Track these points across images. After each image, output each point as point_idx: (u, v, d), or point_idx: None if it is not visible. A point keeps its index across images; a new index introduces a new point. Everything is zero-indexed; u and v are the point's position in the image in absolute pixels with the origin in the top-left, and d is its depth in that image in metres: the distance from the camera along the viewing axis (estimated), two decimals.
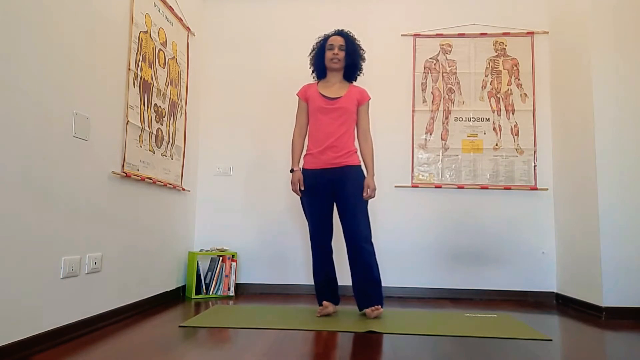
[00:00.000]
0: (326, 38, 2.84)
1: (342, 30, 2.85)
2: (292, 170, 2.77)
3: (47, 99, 1.93)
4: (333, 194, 2.70)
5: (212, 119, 3.76)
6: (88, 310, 2.23)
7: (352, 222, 2.62)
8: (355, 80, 2.89)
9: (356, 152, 2.76)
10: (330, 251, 2.74)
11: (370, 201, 2.72)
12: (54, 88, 1.97)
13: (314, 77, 2.91)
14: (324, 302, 2.70)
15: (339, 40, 2.78)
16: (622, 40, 2.97)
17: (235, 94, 3.77)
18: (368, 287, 2.63)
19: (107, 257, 2.39)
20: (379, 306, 2.61)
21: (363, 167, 2.75)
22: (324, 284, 2.72)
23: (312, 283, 3.62)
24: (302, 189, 2.71)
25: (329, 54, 2.77)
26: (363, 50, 2.87)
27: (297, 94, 2.87)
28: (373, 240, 2.67)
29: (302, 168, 2.77)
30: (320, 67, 2.84)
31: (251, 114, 3.74)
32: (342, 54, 2.76)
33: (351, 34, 2.85)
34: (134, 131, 2.62)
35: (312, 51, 2.89)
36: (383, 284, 2.67)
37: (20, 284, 1.79)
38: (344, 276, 2.96)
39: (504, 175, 3.56)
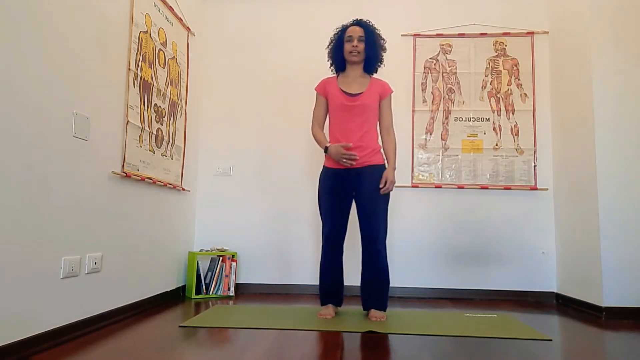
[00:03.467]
0: (344, 29, 2.68)
1: (360, 20, 2.69)
2: (326, 150, 2.61)
3: (47, 99, 1.93)
4: (354, 194, 2.63)
5: (212, 119, 3.76)
6: (88, 310, 2.23)
7: (372, 224, 2.55)
8: (376, 72, 2.75)
9: (380, 150, 2.66)
10: (341, 252, 2.67)
11: None
12: (54, 88, 1.97)
13: (332, 71, 2.79)
14: (328, 305, 2.68)
15: (358, 31, 2.63)
16: (622, 40, 2.97)
17: (236, 94, 3.77)
18: (376, 289, 2.60)
19: (107, 257, 2.38)
20: (384, 314, 2.58)
21: (386, 165, 2.66)
22: (331, 285, 2.67)
23: (312, 283, 3.59)
24: (350, 156, 2.53)
25: (347, 47, 2.63)
26: (384, 40, 2.73)
27: (315, 89, 2.76)
28: None
29: (324, 166, 2.69)
30: (339, 60, 2.70)
31: (251, 113, 3.74)
32: (361, 46, 2.62)
33: (370, 24, 2.69)
34: (134, 131, 2.62)
35: (329, 43, 2.74)
36: None
37: (20, 284, 1.79)
38: (347, 276, 2.94)
39: (504, 175, 3.56)
